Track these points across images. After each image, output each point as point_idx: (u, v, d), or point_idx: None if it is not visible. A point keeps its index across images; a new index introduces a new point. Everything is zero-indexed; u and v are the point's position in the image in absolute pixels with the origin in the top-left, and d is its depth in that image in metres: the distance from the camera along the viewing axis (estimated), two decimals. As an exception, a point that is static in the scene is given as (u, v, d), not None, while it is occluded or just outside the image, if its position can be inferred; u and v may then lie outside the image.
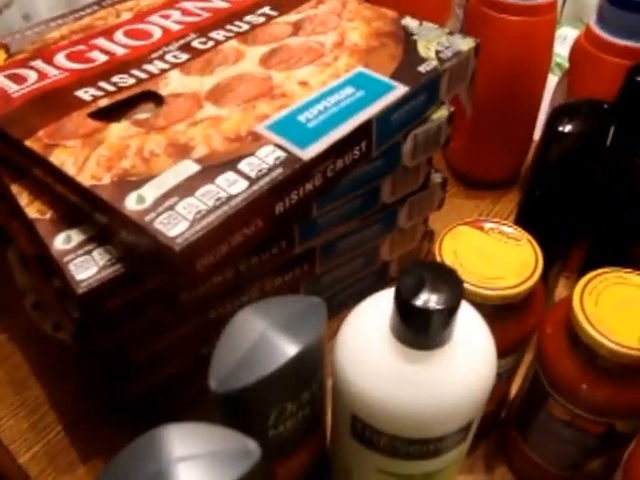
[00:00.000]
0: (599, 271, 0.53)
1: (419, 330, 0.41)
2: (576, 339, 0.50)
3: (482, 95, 0.83)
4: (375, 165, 0.61)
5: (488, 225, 0.56)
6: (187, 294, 0.55)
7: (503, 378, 0.58)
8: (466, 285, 0.50)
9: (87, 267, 0.49)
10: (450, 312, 0.40)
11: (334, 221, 0.63)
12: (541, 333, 0.54)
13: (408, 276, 0.40)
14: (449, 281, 0.40)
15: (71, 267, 0.49)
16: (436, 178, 0.71)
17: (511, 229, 0.56)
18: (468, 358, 0.44)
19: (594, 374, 0.50)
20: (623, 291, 0.52)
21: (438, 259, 0.53)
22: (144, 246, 0.48)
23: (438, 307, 0.39)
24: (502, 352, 0.50)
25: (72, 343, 0.61)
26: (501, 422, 0.65)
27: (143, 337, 0.56)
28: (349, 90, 0.57)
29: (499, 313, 0.52)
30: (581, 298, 0.51)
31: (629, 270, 0.53)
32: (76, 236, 0.51)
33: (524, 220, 0.65)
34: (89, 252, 0.50)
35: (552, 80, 0.85)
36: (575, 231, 0.67)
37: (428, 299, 0.39)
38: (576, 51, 0.76)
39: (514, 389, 0.63)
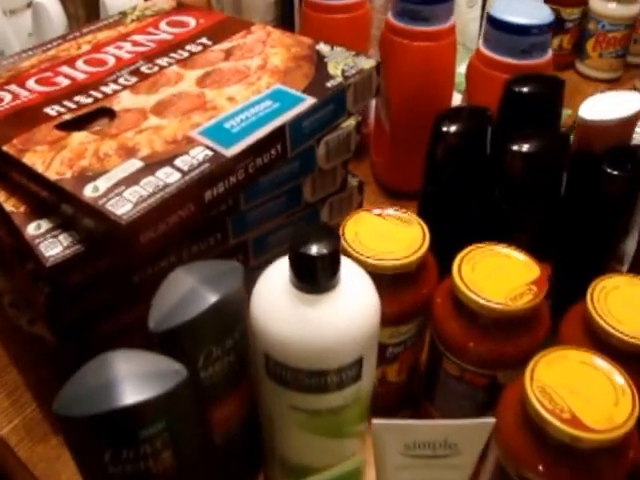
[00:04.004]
0: (474, 245, 0.62)
1: (308, 275, 0.50)
2: (459, 303, 0.59)
3: (396, 113, 0.92)
4: (293, 166, 0.71)
5: (386, 212, 0.65)
6: (139, 275, 0.64)
7: (408, 346, 0.66)
8: (366, 259, 0.60)
9: (54, 247, 0.58)
10: (331, 258, 0.49)
11: (263, 217, 0.72)
12: (433, 303, 0.63)
13: (297, 235, 0.50)
14: (329, 236, 0.50)
15: (41, 247, 0.58)
16: (353, 182, 0.81)
17: (405, 214, 0.65)
18: (353, 300, 0.52)
19: (476, 332, 0.59)
20: (494, 260, 0.61)
21: (342, 239, 0.62)
22: (100, 226, 0.58)
23: (321, 253, 0.48)
24: (400, 318, 0.61)
25: (45, 334, 0.69)
26: (415, 397, 0.71)
27: (104, 310, 0.64)
28: (267, 103, 0.67)
29: (395, 283, 0.61)
30: (459, 267, 0.60)
31: (498, 243, 0.62)
32: (45, 224, 0.61)
33: (424, 213, 0.72)
34: (55, 236, 0.60)
35: (458, 98, 0.95)
36: (467, 222, 0.74)
37: (312, 248, 0.48)
38: (469, 69, 0.87)
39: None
